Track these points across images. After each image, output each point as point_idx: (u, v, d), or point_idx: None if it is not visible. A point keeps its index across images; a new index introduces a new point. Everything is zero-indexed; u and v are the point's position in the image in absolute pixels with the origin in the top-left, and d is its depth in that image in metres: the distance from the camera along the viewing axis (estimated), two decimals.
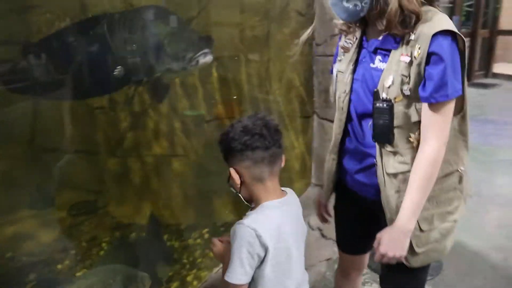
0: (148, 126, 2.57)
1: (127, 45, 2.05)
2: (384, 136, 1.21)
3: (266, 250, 1.09)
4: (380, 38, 1.20)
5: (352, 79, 1.29)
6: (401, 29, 1.12)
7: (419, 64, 1.11)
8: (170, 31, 2.04)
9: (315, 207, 1.60)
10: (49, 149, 2.50)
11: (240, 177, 1.14)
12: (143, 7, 2.17)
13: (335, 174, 1.44)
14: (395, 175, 1.21)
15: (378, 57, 1.22)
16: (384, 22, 1.14)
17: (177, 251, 2.43)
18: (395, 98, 1.16)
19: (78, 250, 2.44)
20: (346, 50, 1.32)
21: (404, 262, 1.22)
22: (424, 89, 1.11)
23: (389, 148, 1.20)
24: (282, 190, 1.22)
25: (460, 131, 1.25)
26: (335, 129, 1.39)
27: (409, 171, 1.18)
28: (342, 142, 1.38)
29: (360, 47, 1.28)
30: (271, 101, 2.55)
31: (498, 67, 9.67)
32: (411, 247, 1.21)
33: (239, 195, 1.19)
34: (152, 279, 1.98)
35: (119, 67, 1.98)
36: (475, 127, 5.31)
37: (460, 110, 1.21)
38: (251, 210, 1.19)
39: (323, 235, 2.50)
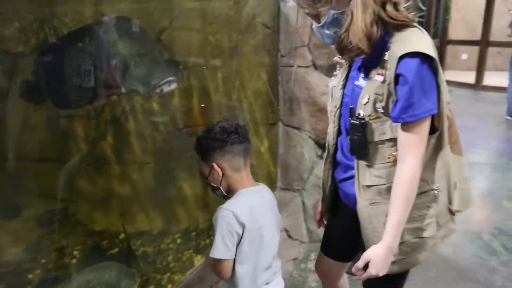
0: (118, 134, 2.61)
1: (95, 59, 2.09)
2: (359, 150, 1.27)
3: (243, 227, 1.29)
4: (363, 56, 1.24)
5: (343, 94, 1.36)
6: (349, 58, 1.23)
7: (389, 84, 1.16)
8: (138, 51, 2.05)
9: (313, 213, 1.67)
10: (14, 158, 2.51)
11: (221, 170, 1.33)
12: (113, 18, 2.19)
13: (331, 183, 1.50)
14: (369, 186, 1.27)
15: (361, 75, 1.28)
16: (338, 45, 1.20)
17: (150, 256, 2.48)
18: (369, 116, 1.21)
19: (49, 259, 2.44)
20: (340, 65, 1.42)
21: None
22: (394, 109, 1.16)
23: (365, 162, 1.27)
24: (256, 182, 1.42)
25: (437, 150, 1.25)
26: (329, 141, 1.46)
27: (383, 185, 1.24)
28: (337, 154, 1.46)
29: (351, 63, 1.36)
30: (239, 109, 2.66)
31: (449, 75, 10.21)
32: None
33: (219, 187, 1.36)
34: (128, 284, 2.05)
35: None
36: None
37: (436, 129, 1.21)
38: (226, 197, 1.38)
39: (289, 236, 2.62)
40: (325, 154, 1.52)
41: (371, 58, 1.21)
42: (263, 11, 2.33)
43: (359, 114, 1.24)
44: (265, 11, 2.32)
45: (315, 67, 2.40)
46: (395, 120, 1.17)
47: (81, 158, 2.63)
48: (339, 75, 1.40)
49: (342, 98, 1.37)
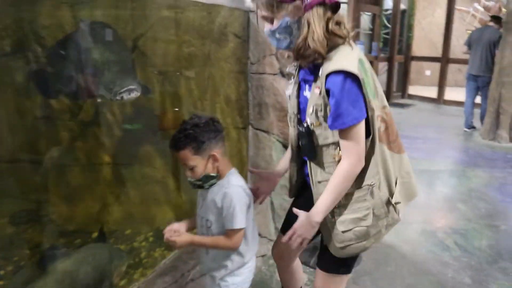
0: (91, 136, 2.69)
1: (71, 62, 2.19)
2: (309, 153, 1.47)
3: (249, 198, 1.53)
4: (304, 70, 1.44)
5: (299, 102, 1.52)
6: (306, 63, 1.37)
7: (323, 97, 1.33)
8: (108, 57, 2.09)
9: (253, 193, 1.76)
10: None
11: (214, 161, 1.49)
12: (91, 22, 2.28)
13: (297, 177, 1.68)
14: (320, 182, 1.47)
15: (307, 86, 1.45)
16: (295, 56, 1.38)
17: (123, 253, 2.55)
18: (313, 124, 1.40)
19: (21, 257, 2.48)
20: (292, 75, 1.56)
21: (332, 251, 1.51)
22: (329, 118, 1.34)
23: (314, 162, 1.48)
24: None
25: (371, 151, 1.40)
26: (292, 143, 1.62)
27: None
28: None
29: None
30: (211, 113, 2.80)
31: (413, 89, 10.66)
32: (335, 245, 1.49)
33: (216, 176, 1.51)
34: (100, 278, 2.14)
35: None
36: None
37: (369, 133, 1.37)
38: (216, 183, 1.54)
39: (258, 234, 2.76)
40: (288, 154, 1.70)
41: (311, 73, 1.41)
42: (234, 22, 2.49)
43: (306, 122, 1.42)
44: (236, 21, 2.48)
45: (282, 74, 2.58)
46: (330, 127, 1.36)
47: (54, 158, 2.70)
48: (292, 84, 1.56)
49: (299, 105, 1.53)
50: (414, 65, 10.91)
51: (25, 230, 2.63)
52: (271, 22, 1.38)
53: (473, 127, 6.69)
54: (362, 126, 1.33)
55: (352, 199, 1.44)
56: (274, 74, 2.56)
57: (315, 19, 1.31)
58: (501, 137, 6.00)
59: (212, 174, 1.49)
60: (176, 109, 2.76)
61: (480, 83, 6.46)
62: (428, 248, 2.97)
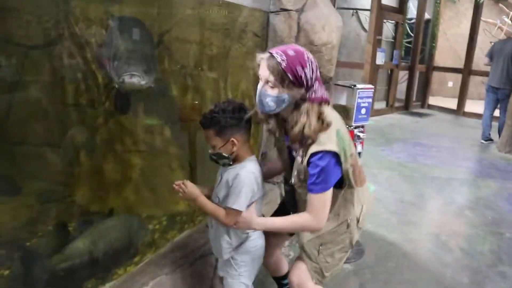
0: (114, 125, 2.87)
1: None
2: (292, 208, 1.78)
3: (257, 186, 1.67)
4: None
5: (290, 160, 1.76)
6: (298, 145, 1.59)
7: (305, 166, 1.57)
8: (122, 45, 2.23)
9: None
10: (18, 142, 2.76)
11: (238, 142, 1.63)
12: (120, 17, 2.46)
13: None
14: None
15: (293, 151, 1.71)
16: (290, 136, 1.59)
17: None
18: (296, 184, 1.66)
19: (45, 233, 2.68)
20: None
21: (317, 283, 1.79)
22: (307, 183, 1.57)
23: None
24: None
25: (347, 197, 1.72)
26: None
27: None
28: None
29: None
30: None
31: (434, 100, 10.65)
32: (321, 273, 1.77)
33: (229, 157, 1.65)
34: (128, 243, 2.36)
35: None
36: (407, 148, 6.02)
37: (343, 185, 1.67)
38: (229, 165, 1.69)
39: None
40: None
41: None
42: (253, 21, 2.65)
43: (291, 182, 1.68)
44: (256, 21, 2.64)
45: None
46: (308, 190, 1.58)
47: (80, 144, 2.89)
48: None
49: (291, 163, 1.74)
50: (436, 75, 10.89)
51: (50, 208, 2.84)
52: (272, 87, 1.53)
53: (490, 140, 6.68)
54: (330, 192, 1.59)
55: (336, 235, 1.75)
56: None
57: (314, 112, 1.53)
58: None
59: (225, 155, 1.64)
60: (196, 102, 2.93)
61: (500, 95, 6.47)
62: (430, 248, 3.07)
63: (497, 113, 6.65)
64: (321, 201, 1.58)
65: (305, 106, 1.53)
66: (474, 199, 4.16)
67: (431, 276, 2.70)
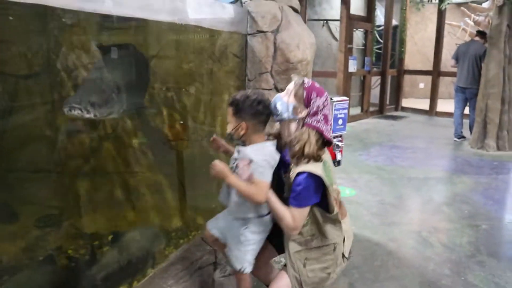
0: (108, 147, 2.98)
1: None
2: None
3: (275, 162, 1.83)
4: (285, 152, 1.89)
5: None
6: (296, 161, 1.76)
7: (290, 184, 1.76)
8: (87, 75, 2.39)
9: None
10: (13, 169, 2.83)
11: (246, 129, 1.79)
12: (101, 46, 2.56)
13: None
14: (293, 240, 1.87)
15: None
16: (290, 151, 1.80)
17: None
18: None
19: (44, 256, 2.74)
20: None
21: None
22: (290, 197, 1.77)
23: None
24: None
25: (335, 222, 1.88)
26: None
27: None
28: None
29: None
30: (212, 125, 3.11)
31: (407, 102, 11.02)
32: (300, 284, 1.85)
33: (233, 136, 1.84)
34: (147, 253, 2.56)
35: None
36: (384, 151, 6.25)
37: (331, 212, 1.83)
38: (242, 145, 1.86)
39: None
40: None
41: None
42: (233, 43, 2.82)
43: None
44: (235, 43, 2.81)
45: (277, 89, 2.89)
46: (289, 203, 1.77)
47: (76, 168, 2.98)
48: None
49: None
50: (408, 78, 11.29)
51: (48, 233, 2.91)
52: (286, 95, 1.83)
53: (463, 137, 7.00)
54: (307, 210, 1.77)
55: (321, 254, 1.88)
56: (269, 89, 2.88)
57: (314, 136, 1.77)
58: (489, 145, 6.31)
59: (234, 136, 1.83)
60: (181, 121, 3.07)
61: (468, 94, 6.80)
62: (412, 245, 3.25)
63: (467, 111, 6.98)
64: (298, 213, 1.76)
65: (307, 129, 1.77)
66: (450, 196, 4.39)
67: (415, 271, 2.88)
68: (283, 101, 1.81)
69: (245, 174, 1.75)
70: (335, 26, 9.53)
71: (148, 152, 3.08)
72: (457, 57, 6.94)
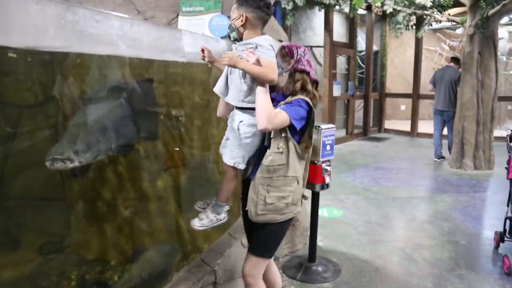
0: (110, 175, 3.14)
1: None
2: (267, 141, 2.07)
3: (276, 47, 2.01)
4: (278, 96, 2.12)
5: None
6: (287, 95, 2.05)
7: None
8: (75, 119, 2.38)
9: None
10: (13, 197, 2.97)
11: (245, 20, 1.95)
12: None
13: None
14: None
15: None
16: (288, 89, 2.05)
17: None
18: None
19: (50, 283, 2.86)
20: None
21: (249, 215, 2.02)
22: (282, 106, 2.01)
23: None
24: None
25: (305, 156, 2.07)
26: None
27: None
28: None
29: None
30: (209, 154, 3.32)
31: (389, 123, 11.41)
32: (255, 210, 1.98)
33: (235, 27, 2.01)
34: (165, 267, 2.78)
35: None
36: (369, 172, 6.51)
37: (307, 147, 2.07)
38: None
39: None
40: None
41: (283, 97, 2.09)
42: None
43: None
44: None
45: None
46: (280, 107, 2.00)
47: (76, 196, 3.13)
48: None
49: None
50: (390, 101, 11.71)
51: (51, 259, 3.02)
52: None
53: (443, 157, 7.32)
54: (287, 119, 1.93)
55: (282, 183, 2.00)
56: None
57: (307, 77, 2.07)
58: (466, 165, 6.63)
59: (234, 25, 2.01)
60: (177, 148, 3.27)
61: (445, 117, 7.16)
62: (397, 261, 3.47)
63: (445, 132, 7.33)
64: (282, 116, 1.91)
65: (298, 72, 2.05)
66: (432, 214, 4.64)
67: (400, 285, 3.09)
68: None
69: (252, 58, 1.85)
70: (319, 52, 9.90)
71: (148, 178, 3.26)
72: (434, 82, 7.32)
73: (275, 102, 2.09)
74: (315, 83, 2.11)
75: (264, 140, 2.07)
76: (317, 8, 7.85)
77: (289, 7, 7.33)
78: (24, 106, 2.43)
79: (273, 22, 3.82)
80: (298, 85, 2.03)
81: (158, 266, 3.02)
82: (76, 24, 1.63)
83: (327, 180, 2.99)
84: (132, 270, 2.84)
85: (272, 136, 1.99)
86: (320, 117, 9.30)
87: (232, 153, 2.06)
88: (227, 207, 2.22)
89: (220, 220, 2.21)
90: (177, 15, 3.59)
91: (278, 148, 1.98)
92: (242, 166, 2.06)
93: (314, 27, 10.25)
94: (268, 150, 2.00)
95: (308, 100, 2.02)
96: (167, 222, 3.27)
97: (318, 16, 9.93)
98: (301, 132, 2.04)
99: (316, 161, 2.93)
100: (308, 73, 2.07)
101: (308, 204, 3.18)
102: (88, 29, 1.70)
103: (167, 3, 3.70)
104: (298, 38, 9.73)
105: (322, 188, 3.01)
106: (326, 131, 2.89)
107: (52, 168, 1.97)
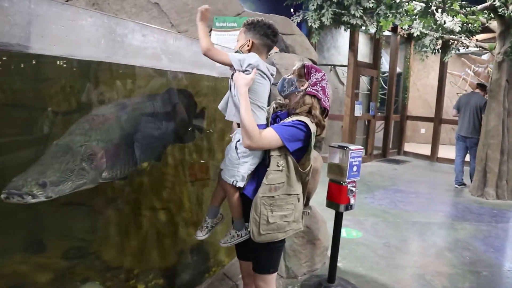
0: (136, 183, 3.18)
1: None
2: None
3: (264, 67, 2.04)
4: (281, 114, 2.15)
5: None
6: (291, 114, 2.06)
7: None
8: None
9: None
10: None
11: (251, 45, 2.00)
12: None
13: None
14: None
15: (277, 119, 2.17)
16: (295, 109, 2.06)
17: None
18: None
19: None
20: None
21: (251, 236, 2.01)
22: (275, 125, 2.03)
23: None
24: None
25: (306, 176, 2.08)
26: None
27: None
28: None
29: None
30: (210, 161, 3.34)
31: (409, 146, 11.32)
32: (258, 230, 1.98)
33: (239, 51, 2.02)
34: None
35: None
36: (388, 194, 6.45)
37: (304, 168, 2.05)
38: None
39: None
40: None
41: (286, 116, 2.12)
42: None
43: None
44: None
45: None
46: (272, 126, 2.03)
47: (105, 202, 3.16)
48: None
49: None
50: (410, 123, 11.62)
51: (76, 264, 3.04)
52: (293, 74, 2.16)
53: (463, 184, 7.22)
54: (276, 140, 1.95)
55: (284, 202, 2.01)
56: None
57: (317, 103, 2.08)
58: (488, 194, 6.53)
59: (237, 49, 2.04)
60: (203, 161, 3.31)
61: (468, 143, 7.08)
62: (416, 287, 3.43)
63: (467, 158, 7.24)
64: (269, 135, 1.93)
65: (309, 95, 2.06)
66: (452, 241, 4.57)
67: None
68: (289, 78, 2.10)
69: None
70: (342, 71, 9.93)
71: (175, 188, 3.29)
72: (458, 107, 7.25)
73: (278, 119, 2.13)
74: (325, 111, 2.11)
75: (263, 160, 2.09)
76: (342, 27, 7.90)
77: (316, 25, 7.40)
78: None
79: (304, 40, 3.86)
80: (306, 108, 2.04)
81: (182, 277, 3.04)
82: (125, 37, 1.68)
83: (352, 201, 2.99)
84: (157, 280, 2.87)
85: (271, 153, 2.01)
86: (340, 136, 9.29)
87: (231, 171, 2.08)
88: (247, 224, 2.21)
89: (242, 236, 2.24)
90: (210, 30, 3.65)
91: (277, 165, 1.99)
92: (240, 184, 2.07)
93: (338, 46, 10.30)
94: (268, 169, 2.01)
95: (309, 123, 1.99)
96: (190, 234, 3.29)
97: (343, 36, 9.99)
98: (298, 154, 2.03)
99: (342, 182, 2.93)
100: (319, 100, 2.07)
101: (330, 223, 3.18)
102: (134, 42, 1.76)
103: None
104: (322, 57, 9.78)
105: (346, 209, 3.01)
106: (354, 152, 2.89)
107: (7, 202, 1.63)
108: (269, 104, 2.23)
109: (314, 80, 2.07)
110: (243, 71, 1.94)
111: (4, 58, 1.62)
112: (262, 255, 2.12)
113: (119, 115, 2.26)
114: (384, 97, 10.31)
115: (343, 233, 4.54)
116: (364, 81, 10.22)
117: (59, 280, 2.80)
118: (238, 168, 2.05)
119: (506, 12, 6.01)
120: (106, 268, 3.02)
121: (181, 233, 3.17)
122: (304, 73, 2.10)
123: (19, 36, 1.27)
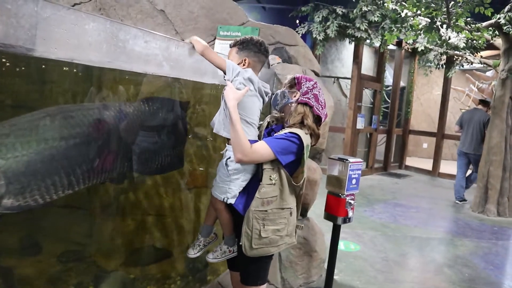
0: (130, 190, 3.18)
1: None
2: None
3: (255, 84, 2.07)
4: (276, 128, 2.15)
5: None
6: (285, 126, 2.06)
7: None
8: None
9: None
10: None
11: (248, 64, 2.06)
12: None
13: None
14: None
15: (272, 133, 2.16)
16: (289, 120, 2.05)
17: None
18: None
19: None
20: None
21: (243, 250, 1.97)
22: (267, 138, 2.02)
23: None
24: None
25: (299, 190, 2.07)
26: None
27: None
28: None
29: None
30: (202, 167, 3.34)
31: (410, 160, 11.28)
32: (250, 244, 1.95)
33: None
34: None
35: None
36: (388, 208, 6.42)
37: (297, 181, 2.03)
38: None
39: (267, 281, 3.18)
40: None
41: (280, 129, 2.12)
42: None
43: None
44: None
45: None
46: (264, 139, 2.02)
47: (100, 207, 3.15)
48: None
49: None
50: (412, 137, 11.60)
51: (71, 268, 3.02)
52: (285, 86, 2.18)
53: (464, 200, 7.18)
54: (270, 153, 1.92)
55: (277, 216, 1.99)
56: None
57: (310, 112, 2.05)
58: (489, 210, 6.49)
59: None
60: (201, 169, 3.31)
61: (471, 159, 7.08)
62: None
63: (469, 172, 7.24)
64: (261, 148, 1.91)
65: (301, 104, 2.04)
66: (452, 258, 4.53)
67: None
68: (281, 91, 2.10)
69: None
70: (345, 83, 9.95)
71: (170, 196, 3.29)
72: (461, 123, 7.24)
73: (272, 133, 2.12)
74: (319, 119, 2.08)
75: (255, 173, 2.07)
76: (347, 40, 7.93)
77: (320, 37, 7.42)
78: None
79: (307, 51, 3.87)
80: (298, 118, 2.02)
81: (178, 285, 3.02)
82: (127, 43, 1.69)
83: (350, 214, 2.97)
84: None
85: (263, 167, 1.98)
86: (341, 148, 9.27)
87: (222, 188, 2.07)
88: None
89: (233, 252, 2.24)
90: (214, 38, 3.67)
91: (270, 179, 1.97)
92: (231, 201, 2.06)
93: (342, 58, 10.32)
94: (260, 182, 1.98)
95: (302, 135, 1.96)
96: (184, 241, 3.28)
97: (347, 48, 10.02)
98: (291, 167, 2.01)
99: (340, 194, 2.91)
100: (311, 107, 2.04)
101: (328, 235, 3.16)
102: (136, 48, 1.76)
103: (205, 26, 3.79)
104: (325, 68, 9.81)
105: (344, 221, 2.98)
106: (354, 165, 2.88)
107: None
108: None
109: (305, 88, 2.06)
110: (231, 81, 1.95)
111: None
112: (250, 267, 2.10)
113: (39, 123, 1.88)
114: (387, 110, 10.30)
115: (341, 245, 4.51)
116: (367, 94, 10.23)
117: (55, 282, 2.79)
118: (229, 185, 2.05)
119: (510, 29, 6.03)
120: (100, 272, 3.01)
121: (176, 241, 3.15)
122: (295, 83, 2.10)
123: (23, 39, 1.27)
